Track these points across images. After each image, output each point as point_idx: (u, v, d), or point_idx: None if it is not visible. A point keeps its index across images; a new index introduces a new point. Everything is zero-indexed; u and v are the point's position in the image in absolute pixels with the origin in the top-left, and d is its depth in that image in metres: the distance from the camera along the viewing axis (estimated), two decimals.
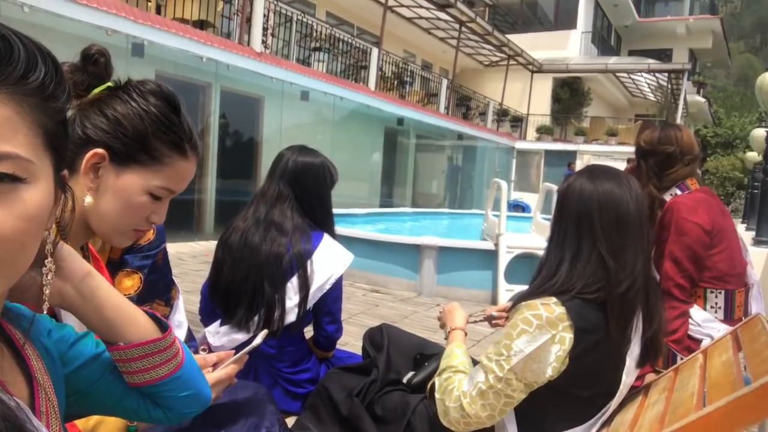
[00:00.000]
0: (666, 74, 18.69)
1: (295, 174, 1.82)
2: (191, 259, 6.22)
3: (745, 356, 1.15)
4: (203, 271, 5.67)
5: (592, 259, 1.21)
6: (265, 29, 8.84)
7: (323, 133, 11.18)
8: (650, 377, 1.63)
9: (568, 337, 1.17)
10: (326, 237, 1.84)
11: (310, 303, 1.77)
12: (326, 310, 1.82)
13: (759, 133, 7.93)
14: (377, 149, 12.98)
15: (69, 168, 0.88)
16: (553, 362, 1.17)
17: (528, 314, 1.19)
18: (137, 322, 0.78)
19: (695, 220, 1.85)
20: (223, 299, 1.79)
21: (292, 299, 1.74)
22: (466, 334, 1.55)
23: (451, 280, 5.47)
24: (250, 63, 8.24)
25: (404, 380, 1.59)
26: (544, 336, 1.16)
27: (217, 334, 1.78)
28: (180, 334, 1.71)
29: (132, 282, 1.48)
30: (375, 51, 11.98)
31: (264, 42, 8.80)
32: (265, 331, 1.20)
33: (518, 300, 1.28)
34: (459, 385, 1.27)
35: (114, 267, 1.48)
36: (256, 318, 1.72)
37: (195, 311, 2.08)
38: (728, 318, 1.86)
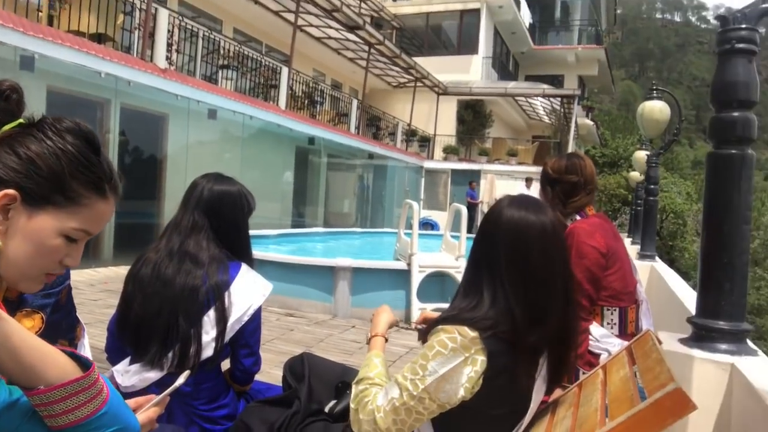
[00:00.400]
0: (559, 99, 20.13)
1: (211, 203, 1.77)
2: (88, 287, 5.81)
3: (639, 371, 1.26)
4: (101, 300, 5.31)
5: (507, 307, 1.24)
6: (169, 45, 8.54)
7: (232, 152, 10.91)
8: (557, 392, 1.74)
9: (480, 359, 1.21)
10: (244, 267, 1.81)
11: (228, 336, 1.72)
12: (243, 343, 1.77)
13: (640, 155, 8.71)
14: (288, 168, 12.84)
15: None
16: (465, 383, 1.21)
17: (444, 337, 1.23)
18: (56, 363, 0.76)
19: (593, 243, 2.01)
20: (133, 336, 1.70)
21: (209, 333, 1.69)
22: (386, 340, 1.56)
23: (366, 301, 5.51)
24: (154, 79, 7.91)
25: (326, 409, 1.59)
26: (458, 358, 1.21)
27: (127, 373, 1.68)
28: None
29: (33, 323, 1.37)
30: (285, 70, 11.92)
31: (168, 58, 8.48)
32: (187, 372, 1.16)
33: (436, 323, 1.32)
34: (374, 399, 1.29)
35: (11, 306, 1.36)
36: (170, 354, 1.65)
37: (96, 346, 1.95)
38: (622, 333, 2.03)
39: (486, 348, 1.22)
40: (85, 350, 1.62)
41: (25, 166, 0.88)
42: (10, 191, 0.86)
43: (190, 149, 9.34)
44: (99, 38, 7.44)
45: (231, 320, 1.71)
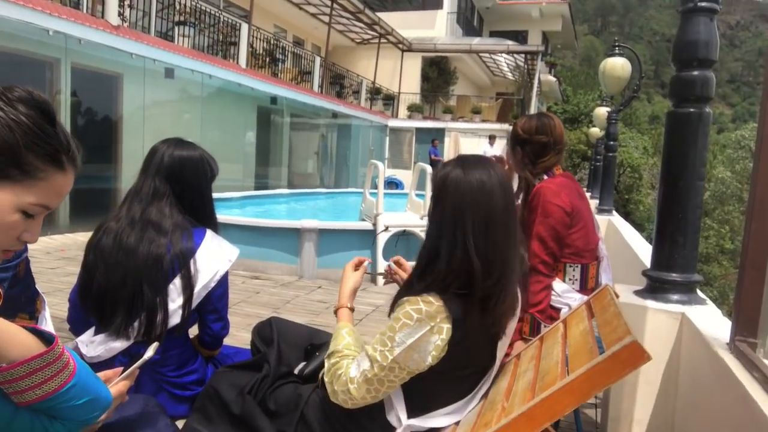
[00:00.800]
0: (523, 55, 20.11)
1: (172, 169, 1.73)
2: (45, 255, 5.65)
3: (597, 325, 1.32)
4: (59, 269, 5.19)
5: (465, 260, 1.26)
6: (121, 0, 8.11)
7: (191, 113, 10.58)
8: (519, 345, 1.81)
9: (446, 327, 1.25)
10: (209, 233, 1.78)
11: (195, 303, 1.71)
12: (211, 308, 1.76)
13: (601, 111, 8.85)
14: (250, 129, 12.56)
15: None
16: (432, 351, 1.25)
17: (409, 309, 1.26)
18: (18, 339, 0.75)
19: (558, 203, 2.06)
20: (96, 306, 1.66)
21: (175, 301, 1.67)
22: (352, 310, 1.58)
23: (332, 262, 5.54)
24: (106, 37, 7.52)
25: (296, 371, 1.61)
26: (424, 328, 1.24)
27: (92, 343, 1.66)
28: None
29: None
30: (245, 26, 11.51)
31: (121, 14, 8.05)
32: (155, 344, 1.15)
33: (401, 294, 1.34)
34: (346, 370, 1.33)
35: None
36: (135, 324, 1.63)
37: (57, 315, 1.91)
38: (583, 288, 2.10)
39: (450, 316, 1.25)
40: (47, 323, 1.58)
41: None
42: None
43: (147, 110, 9.01)
44: None
45: (197, 287, 1.70)
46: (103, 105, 8.52)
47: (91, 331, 1.69)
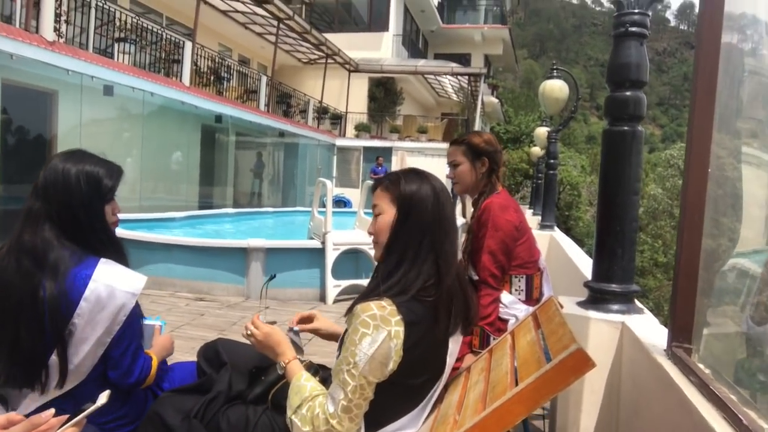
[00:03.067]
0: (466, 77, 20.68)
1: (46, 186, 1.48)
2: None
3: (544, 335, 1.35)
4: None
5: (428, 260, 1.34)
6: (57, 15, 7.81)
7: (132, 131, 10.25)
8: (469, 359, 1.83)
9: (401, 330, 1.27)
10: (101, 267, 1.48)
11: (100, 349, 1.47)
12: (106, 354, 1.50)
13: (541, 131, 9.19)
14: (194, 148, 12.28)
15: None
16: (393, 356, 1.27)
17: (364, 317, 1.26)
18: None
19: (508, 217, 2.14)
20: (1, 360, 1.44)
21: (72, 362, 1.44)
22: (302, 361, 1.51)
23: (280, 281, 5.44)
24: (40, 53, 7.21)
25: (243, 395, 1.56)
26: (382, 334, 1.25)
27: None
28: None
29: None
30: (188, 44, 11.32)
31: (57, 29, 7.76)
32: (108, 391, 1.03)
33: (353, 303, 1.34)
34: (323, 409, 1.28)
35: None
36: (18, 374, 1.42)
37: None
38: (529, 298, 2.16)
39: (404, 319, 1.27)
40: None
41: None
42: None
43: (84, 128, 8.66)
44: None
45: (92, 339, 1.45)
46: (36, 123, 8.13)
47: None
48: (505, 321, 2.08)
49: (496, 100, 27.91)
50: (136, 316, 1.55)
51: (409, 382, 1.34)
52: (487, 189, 2.24)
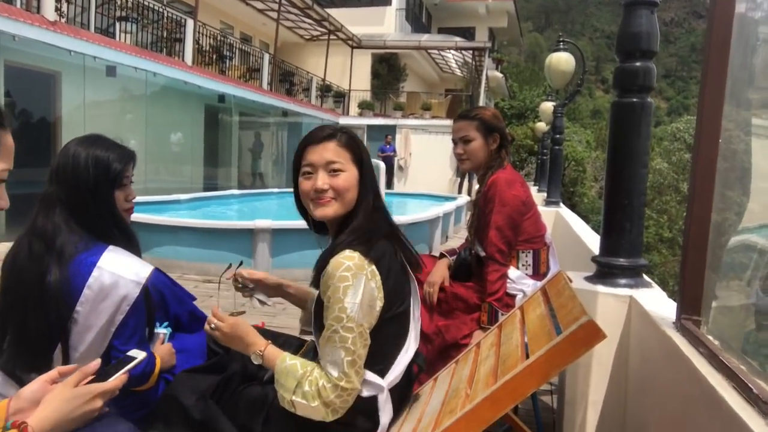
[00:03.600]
0: (471, 51, 20.42)
1: (58, 170, 1.49)
2: None
3: (554, 308, 1.36)
4: None
5: (372, 204, 1.44)
6: None
7: (135, 112, 10.22)
8: (478, 335, 1.85)
9: (374, 268, 1.32)
10: (107, 255, 1.47)
11: (106, 342, 1.47)
12: (110, 345, 1.49)
13: (547, 105, 9.11)
14: (197, 129, 12.25)
15: None
16: (377, 295, 1.31)
17: (339, 273, 1.28)
18: None
19: (515, 192, 2.12)
20: (8, 345, 1.46)
21: (78, 350, 1.45)
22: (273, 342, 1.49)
23: (287, 262, 5.47)
24: (42, 33, 7.15)
25: (260, 375, 1.57)
26: (361, 279, 1.28)
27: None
28: None
29: None
30: (190, 22, 11.20)
31: (58, 9, 7.68)
32: (143, 354, 1.09)
33: (319, 268, 1.37)
34: (326, 378, 1.27)
35: None
36: (25, 355, 1.43)
37: None
38: (536, 273, 2.16)
39: (372, 258, 1.32)
40: None
41: None
42: None
43: (87, 110, 8.64)
44: None
45: (96, 328, 1.45)
46: (39, 105, 8.11)
47: None
48: (513, 296, 2.08)
49: (501, 75, 27.60)
50: (140, 306, 1.51)
51: (395, 312, 1.38)
52: (496, 164, 2.22)
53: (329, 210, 1.41)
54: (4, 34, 6.68)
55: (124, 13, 9.63)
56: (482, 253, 2.16)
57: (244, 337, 1.42)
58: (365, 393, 1.33)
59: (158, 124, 10.61)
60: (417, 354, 1.46)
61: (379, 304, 1.31)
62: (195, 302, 2.07)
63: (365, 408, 1.34)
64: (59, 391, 0.99)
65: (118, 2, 9.63)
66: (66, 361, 1.45)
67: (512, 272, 2.14)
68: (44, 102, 8.13)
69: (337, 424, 1.30)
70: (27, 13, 7.12)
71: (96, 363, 1.04)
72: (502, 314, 1.97)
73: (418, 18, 25.16)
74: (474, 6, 26.30)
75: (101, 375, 1.05)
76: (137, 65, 9.18)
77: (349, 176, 1.41)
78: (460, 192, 15.37)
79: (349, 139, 1.45)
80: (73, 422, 0.98)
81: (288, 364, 1.33)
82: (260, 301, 1.57)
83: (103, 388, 1.02)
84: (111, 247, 1.50)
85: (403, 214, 6.89)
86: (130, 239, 1.59)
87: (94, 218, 1.51)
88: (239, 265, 1.68)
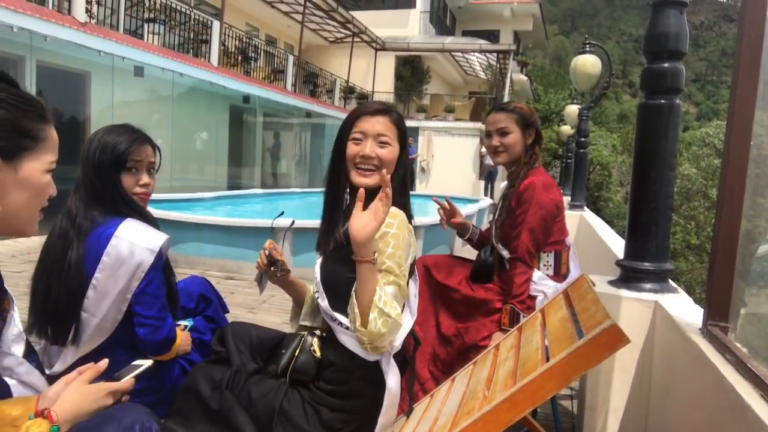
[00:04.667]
0: (495, 54, 20.30)
1: (82, 156, 1.63)
2: (10, 259, 5.48)
3: (576, 312, 1.33)
4: (26, 272, 5.03)
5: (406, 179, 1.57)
6: None
7: (162, 112, 10.38)
8: (498, 336, 1.83)
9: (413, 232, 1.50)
10: (123, 226, 1.57)
11: (123, 305, 1.56)
12: (133, 311, 1.58)
13: (572, 109, 9.01)
14: (222, 129, 12.40)
15: None
16: (412, 251, 1.48)
17: (396, 221, 1.42)
18: None
19: (552, 196, 2.12)
20: (34, 312, 1.59)
21: (95, 315, 1.53)
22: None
23: (308, 261, 5.44)
24: (73, 34, 7.32)
25: (269, 369, 1.58)
26: (411, 236, 1.46)
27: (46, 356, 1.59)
28: (18, 349, 1.51)
29: None
30: (216, 24, 11.35)
31: (88, 10, 7.86)
32: (150, 362, 1.17)
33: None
34: (389, 298, 1.36)
35: None
36: (49, 327, 1.56)
37: (23, 319, 1.84)
38: (556, 274, 2.14)
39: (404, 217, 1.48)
40: (15, 323, 1.52)
41: None
42: None
43: (116, 110, 8.82)
44: None
45: (113, 294, 1.54)
46: (70, 104, 8.30)
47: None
48: (534, 298, 2.06)
49: (525, 78, 27.38)
50: (156, 272, 1.59)
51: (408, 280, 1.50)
52: (531, 161, 2.21)
53: (371, 180, 1.49)
54: (36, 34, 6.85)
55: (152, 15, 9.80)
56: (506, 253, 2.14)
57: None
58: (371, 357, 1.39)
59: (184, 123, 10.77)
60: (412, 330, 1.53)
61: (410, 262, 1.45)
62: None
63: (372, 374, 1.41)
64: (76, 387, 1.08)
65: (147, 4, 9.80)
66: (78, 330, 1.55)
67: (534, 273, 2.12)
68: (74, 101, 8.32)
69: (347, 397, 1.40)
70: (58, 14, 7.29)
71: (104, 362, 1.13)
72: (524, 316, 1.94)
73: (442, 21, 25.11)
74: (499, 9, 26.16)
75: (113, 377, 1.14)
76: (164, 66, 9.33)
77: (393, 150, 1.51)
78: (486, 195, 15.28)
79: (398, 118, 1.56)
80: (88, 414, 1.06)
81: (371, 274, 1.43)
82: (261, 281, 1.62)
83: (116, 387, 1.10)
84: (128, 219, 1.60)
85: (425, 215, 6.86)
86: (145, 219, 1.66)
87: (105, 198, 1.61)
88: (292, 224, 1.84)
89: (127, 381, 1.13)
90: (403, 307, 1.49)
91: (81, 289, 1.53)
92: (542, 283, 2.08)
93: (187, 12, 11.07)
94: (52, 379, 1.46)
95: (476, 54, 21.13)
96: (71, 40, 7.33)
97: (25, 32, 6.70)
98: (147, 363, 1.19)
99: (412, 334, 1.54)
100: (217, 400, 1.47)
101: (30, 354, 1.60)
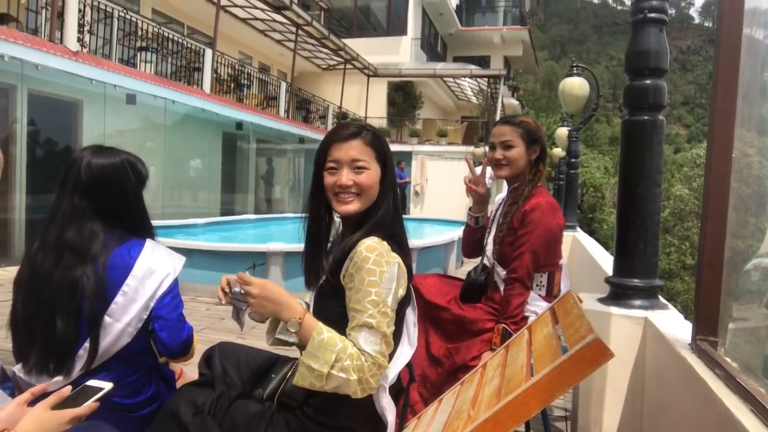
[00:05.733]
0: (486, 79, 20.57)
1: (91, 183, 1.57)
2: None
3: (561, 328, 1.31)
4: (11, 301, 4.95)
5: (395, 206, 1.48)
6: (81, 26, 7.97)
7: (155, 140, 10.39)
8: (487, 356, 1.79)
9: (402, 262, 1.37)
10: (148, 244, 1.65)
11: (145, 313, 1.60)
12: (155, 316, 1.63)
13: (562, 131, 9.08)
14: (215, 155, 12.40)
15: None
16: (403, 284, 1.37)
17: (374, 256, 1.31)
18: None
19: (558, 220, 2.09)
20: (19, 340, 1.58)
21: (121, 320, 1.57)
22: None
23: (300, 285, 5.38)
24: (65, 63, 7.35)
25: (255, 393, 1.54)
26: (394, 267, 1.33)
27: (22, 378, 1.57)
28: None
29: None
30: (209, 52, 11.46)
31: (80, 40, 7.92)
32: (110, 385, 1.17)
33: (343, 253, 1.39)
34: (366, 355, 1.28)
35: None
36: (51, 359, 1.53)
37: (4, 348, 1.82)
38: (549, 294, 2.11)
39: (398, 253, 1.37)
40: None
41: None
42: None
43: (108, 137, 8.80)
44: (1, 19, 6.83)
45: (141, 303, 1.59)
46: (61, 133, 8.29)
47: (19, 366, 1.59)
48: (526, 318, 2.03)
49: (517, 102, 27.69)
50: (177, 284, 1.68)
51: (403, 310, 1.43)
52: (536, 178, 2.17)
53: (351, 207, 1.44)
54: (28, 63, 6.87)
55: (144, 44, 9.88)
56: (502, 273, 2.11)
57: (278, 299, 1.35)
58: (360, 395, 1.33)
59: (176, 150, 10.77)
60: (409, 361, 1.47)
61: (401, 294, 1.36)
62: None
63: (370, 409, 1.37)
64: (39, 412, 1.08)
65: (139, 33, 9.89)
66: (92, 356, 1.54)
67: None
68: (66, 129, 8.32)
69: (336, 430, 1.35)
70: (50, 43, 7.34)
71: (67, 389, 1.14)
72: None
73: (433, 47, 25.49)
74: (489, 35, 26.59)
75: (70, 399, 1.14)
76: (156, 93, 9.36)
77: (372, 174, 1.44)
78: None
79: (373, 138, 1.48)
80: None
81: (326, 336, 1.30)
82: (239, 317, 1.47)
83: (77, 413, 1.10)
84: (148, 241, 1.67)
85: (419, 237, 6.85)
86: (153, 233, 1.75)
87: (130, 219, 1.66)
88: (253, 267, 1.72)
89: (87, 406, 1.12)
90: (401, 337, 1.45)
91: (97, 316, 1.54)
92: (534, 304, 2.06)
93: (180, 41, 11.17)
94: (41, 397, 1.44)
95: (467, 79, 21.39)
96: (63, 69, 7.36)
97: (16, 61, 6.72)
98: (107, 386, 1.17)
99: (408, 366, 1.49)
100: (198, 426, 1.42)
101: (3, 381, 1.57)
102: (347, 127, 1.49)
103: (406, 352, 1.45)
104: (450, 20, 25.20)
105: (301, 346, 1.44)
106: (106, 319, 1.55)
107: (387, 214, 1.44)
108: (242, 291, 1.38)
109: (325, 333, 1.31)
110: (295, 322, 1.33)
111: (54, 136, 8.22)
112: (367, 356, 1.28)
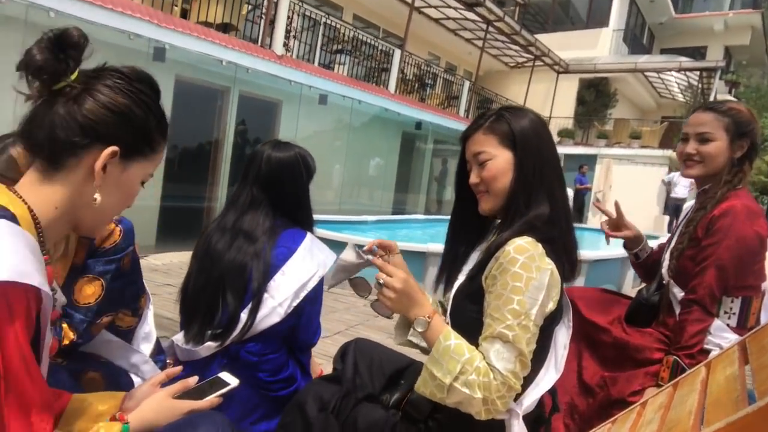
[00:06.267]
0: (697, 73, 18.12)
1: (270, 176, 1.74)
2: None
3: (752, 369, 1.01)
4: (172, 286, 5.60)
5: (545, 197, 1.27)
6: (288, 31, 8.79)
7: (340, 139, 11.07)
8: (650, 392, 1.49)
9: (554, 267, 1.19)
10: (308, 238, 1.78)
11: (295, 301, 1.69)
12: (301, 312, 1.73)
13: None
14: (393, 154, 12.80)
15: (55, 163, 0.87)
16: (554, 296, 1.19)
17: (523, 258, 1.15)
18: None
19: (757, 228, 1.64)
20: (184, 310, 1.75)
21: (275, 298, 1.67)
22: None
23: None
24: (270, 66, 8.17)
25: (382, 398, 1.47)
26: (545, 275, 1.16)
27: (179, 346, 1.73)
28: (147, 347, 1.64)
29: (93, 289, 1.41)
30: (397, 52, 11.85)
31: (286, 44, 8.74)
32: (237, 381, 1.17)
33: (492, 250, 1.23)
34: (497, 372, 1.13)
35: (76, 273, 1.41)
36: (208, 332, 1.66)
37: (158, 313, 2.04)
38: (740, 325, 1.68)
39: (552, 258, 1.20)
40: (148, 321, 1.66)
41: (119, 120, 0.90)
42: (114, 148, 0.89)
43: (299, 136, 9.62)
44: (225, 28, 7.78)
45: (293, 288, 1.68)
46: (262, 131, 9.25)
47: (182, 333, 1.75)
48: (707, 352, 1.63)
49: (735, 100, 24.01)
50: (321, 285, 1.76)
51: (553, 327, 1.26)
52: (735, 179, 1.73)
53: (485, 205, 1.33)
54: (240, 67, 7.77)
55: (341, 47, 10.56)
56: (679, 294, 1.74)
57: (414, 294, 1.25)
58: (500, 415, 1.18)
59: (358, 149, 11.34)
60: (553, 387, 1.26)
61: (551, 308, 1.19)
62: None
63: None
64: (161, 398, 1.07)
65: (339, 38, 10.55)
66: (246, 328, 1.65)
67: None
68: (266, 128, 9.26)
69: None
70: (260, 48, 8.21)
71: (194, 379, 1.13)
72: None
73: (637, 39, 23.25)
74: (708, 22, 23.45)
75: (196, 391, 1.13)
76: (346, 94, 9.95)
77: (494, 163, 1.29)
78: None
79: (494, 121, 1.32)
80: (161, 426, 1.07)
81: (453, 343, 1.17)
82: (360, 287, 1.38)
83: (197, 407, 1.08)
84: (309, 235, 1.79)
85: (593, 249, 6.29)
86: (312, 226, 1.86)
87: (297, 211, 1.78)
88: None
89: (209, 400, 1.11)
90: (546, 359, 1.27)
91: (263, 291, 1.67)
92: (719, 335, 1.64)
93: (373, 43, 11.72)
94: (192, 363, 1.57)
95: (674, 73, 19.07)
96: (268, 72, 8.18)
97: (231, 65, 7.65)
98: (234, 382, 1.16)
99: (552, 393, 1.30)
100: (321, 424, 1.39)
101: (157, 354, 1.72)
102: (475, 121, 1.35)
103: (549, 377, 1.26)
104: (662, 7, 22.74)
105: (427, 351, 1.33)
106: (264, 294, 1.66)
107: (535, 206, 1.24)
108: (381, 281, 1.27)
109: (452, 339, 1.19)
110: (423, 320, 1.23)
111: (256, 133, 9.23)
112: (496, 373, 1.12)
